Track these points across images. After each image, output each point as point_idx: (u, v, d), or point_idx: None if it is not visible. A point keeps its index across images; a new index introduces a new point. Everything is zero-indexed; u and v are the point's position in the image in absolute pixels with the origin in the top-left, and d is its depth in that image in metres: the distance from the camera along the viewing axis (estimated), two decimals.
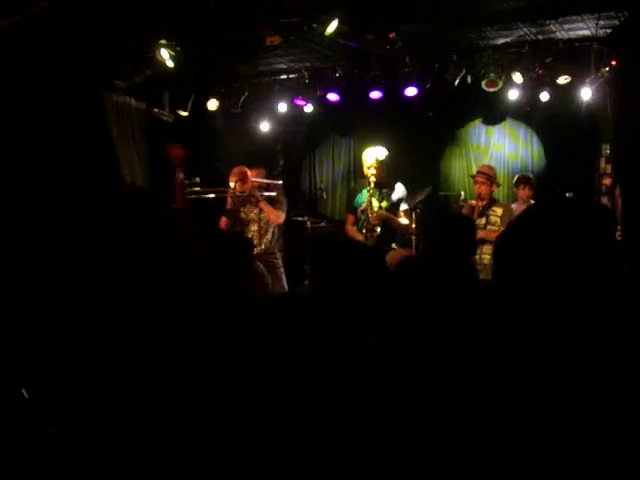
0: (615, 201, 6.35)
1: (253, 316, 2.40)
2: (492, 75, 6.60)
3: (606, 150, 6.85)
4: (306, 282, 6.25)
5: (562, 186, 6.39)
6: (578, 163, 7.12)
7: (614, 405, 1.20)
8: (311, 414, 1.56)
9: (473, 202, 6.16)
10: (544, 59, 6.46)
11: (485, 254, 5.69)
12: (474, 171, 6.59)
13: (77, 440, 1.84)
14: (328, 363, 1.60)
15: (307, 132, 8.45)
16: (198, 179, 6.63)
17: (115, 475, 1.81)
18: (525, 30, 6.17)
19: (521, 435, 1.22)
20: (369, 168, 5.78)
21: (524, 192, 6.57)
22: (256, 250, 5.68)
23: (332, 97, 7.31)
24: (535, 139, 7.85)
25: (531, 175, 6.87)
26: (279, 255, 6.37)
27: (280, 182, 6.50)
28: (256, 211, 6.19)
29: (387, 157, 5.89)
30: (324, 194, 8.24)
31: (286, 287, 6.23)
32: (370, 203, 5.76)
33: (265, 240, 6.17)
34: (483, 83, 6.68)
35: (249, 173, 6.07)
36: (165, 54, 6.17)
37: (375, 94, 7.16)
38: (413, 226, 5.97)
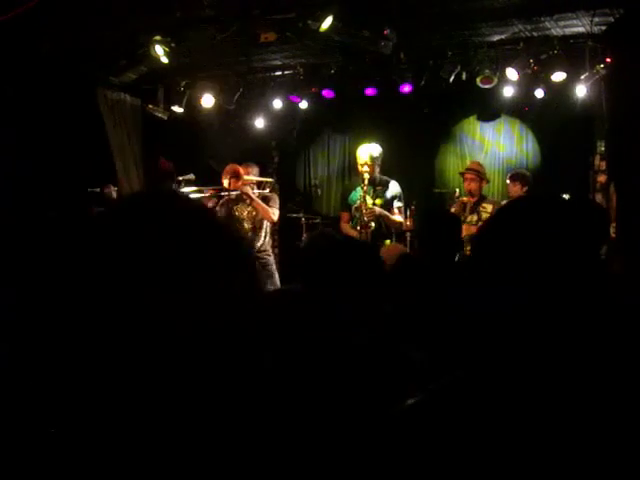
0: (610, 198, 6.35)
1: None
2: (487, 72, 6.59)
3: (601, 147, 6.86)
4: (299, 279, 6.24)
5: (556, 183, 6.40)
6: (573, 160, 7.13)
7: (611, 405, 1.19)
8: (303, 413, 1.56)
9: (464, 199, 6.20)
10: (539, 56, 6.44)
11: None
12: None
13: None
14: (319, 362, 1.60)
15: (302, 129, 8.44)
16: (193, 176, 6.62)
17: None
18: (520, 27, 6.16)
19: (521, 437, 1.22)
20: (363, 165, 5.78)
21: (515, 188, 6.58)
22: None
23: (327, 94, 7.30)
24: (530, 136, 7.86)
25: (526, 172, 6.87)
26: (272, 253, 6.38)
27: (272, 180, 6.49)
28: (249, 209, 6.19)
29: (381, 154, 5.89)
30: (319, 191, 8.24)
31: (279, 285, 6.23)
32: (364, 200, 5.76)
33: (258, 238, 6.17)
34: (478, 80, 6.67)
35: (242, 171, 6.05)
36: (160, 50, 6.14)
37: (370, 91, 7.15)
38: (407, 223, 5.98)
